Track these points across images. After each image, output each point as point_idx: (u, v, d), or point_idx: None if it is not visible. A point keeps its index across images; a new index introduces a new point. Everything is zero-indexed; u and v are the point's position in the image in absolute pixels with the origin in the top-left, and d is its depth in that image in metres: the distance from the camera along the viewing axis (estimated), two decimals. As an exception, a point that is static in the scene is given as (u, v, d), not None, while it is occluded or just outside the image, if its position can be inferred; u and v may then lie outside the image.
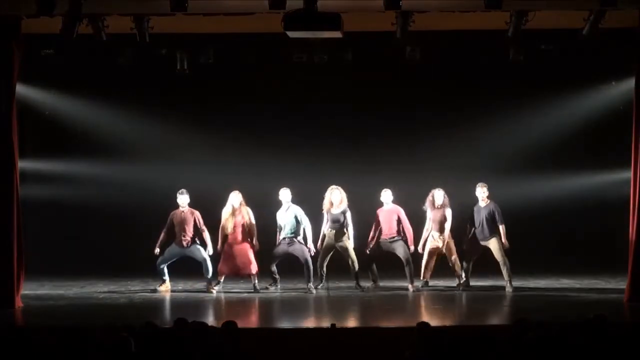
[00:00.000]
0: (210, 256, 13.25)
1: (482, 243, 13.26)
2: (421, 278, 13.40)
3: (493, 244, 13.18)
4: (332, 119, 15.57)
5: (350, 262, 13.22)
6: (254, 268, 13.16)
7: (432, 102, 15.43)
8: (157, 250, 13.26)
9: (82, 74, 14.51)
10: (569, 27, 11.93)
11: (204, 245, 13.25)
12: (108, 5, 11.44)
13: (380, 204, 13.48)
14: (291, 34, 11.09)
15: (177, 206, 13.41)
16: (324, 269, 13.31)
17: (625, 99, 13.05)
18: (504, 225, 13.19)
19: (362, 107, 15.55)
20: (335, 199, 13.20)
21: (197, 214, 13.34)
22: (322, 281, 13.32)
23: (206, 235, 13.25)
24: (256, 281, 13.23)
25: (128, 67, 13.07)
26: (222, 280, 13.29)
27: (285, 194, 13.35)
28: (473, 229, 13.30)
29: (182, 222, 13.26)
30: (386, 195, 13.44)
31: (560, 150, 15.49)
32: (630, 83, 12.26)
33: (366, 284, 13.45)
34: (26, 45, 12.05)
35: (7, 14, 11.64)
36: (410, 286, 13.24)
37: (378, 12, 11.30)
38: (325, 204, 13.27)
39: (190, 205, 13.40)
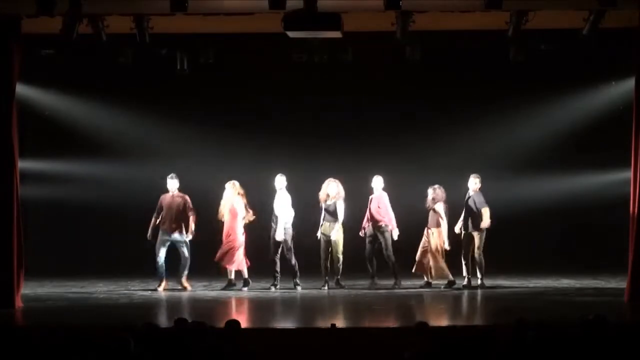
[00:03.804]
0: (190, 241, 13.42)
1: (468, 231, 13.38)
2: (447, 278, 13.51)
3: (477, 238, 13.31)
4: (332, 119, 15.59)
5: (336, 259, 13.35)
6: (235, 265, 13.37)
7: (432, 102, 15.46)
8: (149, 235, 13.41)
9: (82, 74, 14.53)
10: (569, 27, 11.92)
11: (187, 228, 13.37)
12: (108, 5, 11.44)
13: (372, 191, 13.57)
14: (291, 34, 11.11)
15: (166, 190, 13.49)
16: (328, 266, 13.44)
17: (625, 99, 13.04)
18: (486, 208, 13.33)
19: (362, 107, 15.57)
20: (332, 190, 13.31)
21: (187, 198, 13.51)
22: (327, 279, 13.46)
23: (192, 219, 13.41)
24: (232, 276, 13.44)
25: (128, 67, 13.06)
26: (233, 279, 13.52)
27: (280, 181, 13.44)
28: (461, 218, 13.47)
29: (172, 206, 13.38)
30: (377, 182, 13.54)
31: (560, 150, 15.50)
32: (630, 83, 12.25)
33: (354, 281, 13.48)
34: (26, 45, 12.04)
35: (7, 14, 11.63)
36: (396, 283, 13.46)
37: (378, 12, 11.30)
38: (322, 196, 13.36)
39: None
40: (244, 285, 13.42)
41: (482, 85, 15.07)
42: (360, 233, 13.56)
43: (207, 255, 13.53)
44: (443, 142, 15.49)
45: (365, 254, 13.50)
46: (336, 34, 11.08)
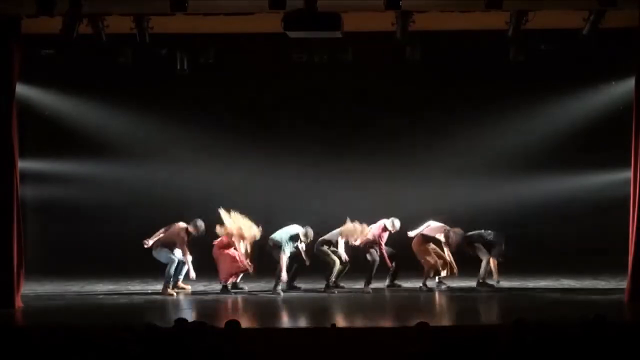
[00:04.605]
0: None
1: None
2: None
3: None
4: (332, 119, 15.58)
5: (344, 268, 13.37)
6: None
7: (432, 102, 15.45)
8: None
9: (82, 74, 14.52)
10: (569, 27, 11.92)
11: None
12: (108, 5, 11.44)
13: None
14: (291, 34, 11.10)
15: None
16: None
17: (625, 99, 13.05)
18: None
19: (362, 107, 15.57)
20: (364, 234, 13.20)
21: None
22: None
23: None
24: (238, 279, 13.40)
25: (128, 67, 13.06)
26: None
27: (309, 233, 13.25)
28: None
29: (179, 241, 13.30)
30: (395, 225, 13.37)
31: (560, 150, 15.49)
32: (630, 83, 12.26)
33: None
34: (26, 45, 12.04)
35: (7, 14, 11.64)
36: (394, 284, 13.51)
37: (378, 12, 11.30)
38: (353, 239, 13.18)
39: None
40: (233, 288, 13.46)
41: (482, 85, 15.06)
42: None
43: (207, 256, 13.52)
44: (443, 142, 15.46)
45: (376, 265, 13.43)
46: (336, 34, 11.07)
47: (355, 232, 13.08)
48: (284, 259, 12.92)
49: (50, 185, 15.59)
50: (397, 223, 13.30)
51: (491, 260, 13.20)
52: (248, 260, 13.09)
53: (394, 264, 13.35)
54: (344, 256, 13.16)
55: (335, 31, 10.97)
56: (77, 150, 15.55)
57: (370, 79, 15.01)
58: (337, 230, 13.21)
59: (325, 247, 13.25)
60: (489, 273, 13.30)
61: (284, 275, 12.99)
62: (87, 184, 15.67)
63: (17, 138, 12.07)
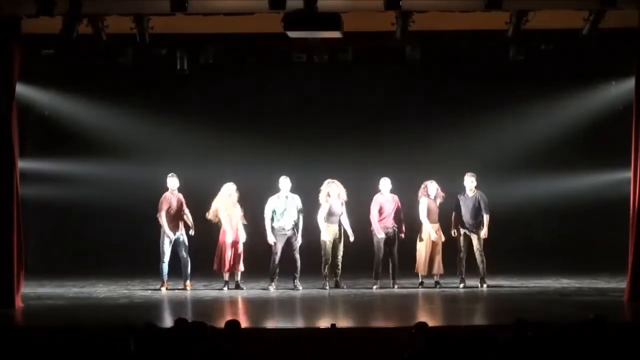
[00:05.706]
0: (189, 242, 13.41)
1: (467, 233, 13.32)
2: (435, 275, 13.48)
3: (475, 238, 13.28)
4: (331, 119, 15.59)
5: (339, 260, 13.34)
6: (242, 266, 13.36)
7: (432, 102, 15.46)
8: (170, 234, 13.26)
9: (82, 74, 14.54)
10: (569, 27, 11.92)
11: (186, 226, 13.39)
12: (108, 5, 11.45)
13: (377, 191, 13.49)
14: (291, 34, 11.11)
15: (166, 189, 13.43)
16: (339, 266, 13.44)
17: (625, 99, 13.06)
18: (488, 216, 13.28)
19: (362, 107, 15.57)
20: (333, 192, 13.24)
21: (182, 197, 13.46)
22: (336, 278, 13.46)
23: (189, 216, 13.40)
24: (239, 278, 13.40)
25: (128, 67, 13.06)
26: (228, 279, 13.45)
27: (285, 182, 13.40)
28: (459, 218, 13.35)
29: (173, 205, 13.34)
30: (385, 184, 13.45)
31: (560, 150, 15.50)
32: (630, 83, 12.26)
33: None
34: (26, 45, 12.04)
35: (7, 14, 11.64)
36: (394, 283, 13.41)
37: (378, 12, 11.31)
38: (322, 197, 13.28)
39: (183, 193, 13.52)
40: (237, 287, 13.45)
41: (482, 85, 15.07)
42: (379, 235, 13.31)
43: (207, 256, 13.52)
44: (442, 142, 15.48)
45: (380, 256, 13.37)
46: (336, 34, 11.08)
47: (333, 187, 13.23)
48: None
49: (50, 185, 15.60)
50: (386, 183, 13.38)
51: (483, 233, 13.25)
52: (230, 259, 13.19)
53: (395, 261, 13.33)
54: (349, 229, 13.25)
55: (335, 31, 10.97)
56: (77, 150, 15.57)
57: (370, 79, 15.01)
58: (323, 199, 13.25)
59: (325, 238, 13.28)
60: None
61: (273, 265, 13.27)
62: (87, 183, 15.68)
63: (17, 138, 12.08)
